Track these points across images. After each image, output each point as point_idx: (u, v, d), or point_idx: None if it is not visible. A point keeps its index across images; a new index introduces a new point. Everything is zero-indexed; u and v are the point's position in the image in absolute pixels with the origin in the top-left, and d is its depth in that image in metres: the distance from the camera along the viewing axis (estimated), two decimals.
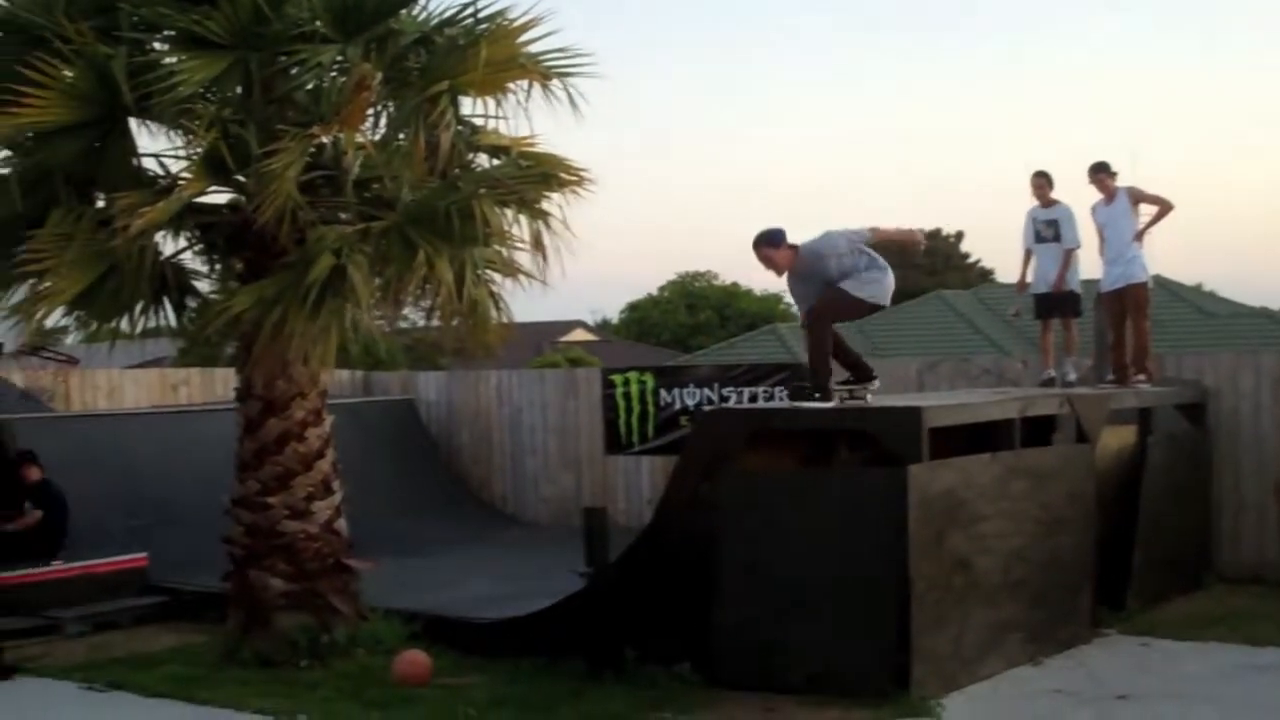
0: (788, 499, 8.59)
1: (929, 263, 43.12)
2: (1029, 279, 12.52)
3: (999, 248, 69.55)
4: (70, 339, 11.82)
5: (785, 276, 9.34)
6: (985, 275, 44.65)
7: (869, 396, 9.30)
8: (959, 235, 48.97)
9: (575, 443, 16.42)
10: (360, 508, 10.47)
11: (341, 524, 9.85)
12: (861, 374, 9.43)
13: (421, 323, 10.29)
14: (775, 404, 13.77)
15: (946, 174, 74.74)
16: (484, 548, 14.34)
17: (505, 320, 9.82)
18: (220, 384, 17.05)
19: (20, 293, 9.00)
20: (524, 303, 9.32)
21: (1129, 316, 12.08)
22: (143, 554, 12.26)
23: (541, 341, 39.33)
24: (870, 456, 8.77)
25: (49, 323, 9.25)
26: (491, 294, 9.62)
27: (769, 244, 9.21)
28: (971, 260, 48.69)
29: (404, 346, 29.74)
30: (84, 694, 9.09)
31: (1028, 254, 12.45)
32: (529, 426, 16.82)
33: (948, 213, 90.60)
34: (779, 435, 9.08)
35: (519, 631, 9.48)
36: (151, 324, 9.57)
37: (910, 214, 63.80)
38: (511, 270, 9.61)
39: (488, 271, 9.56)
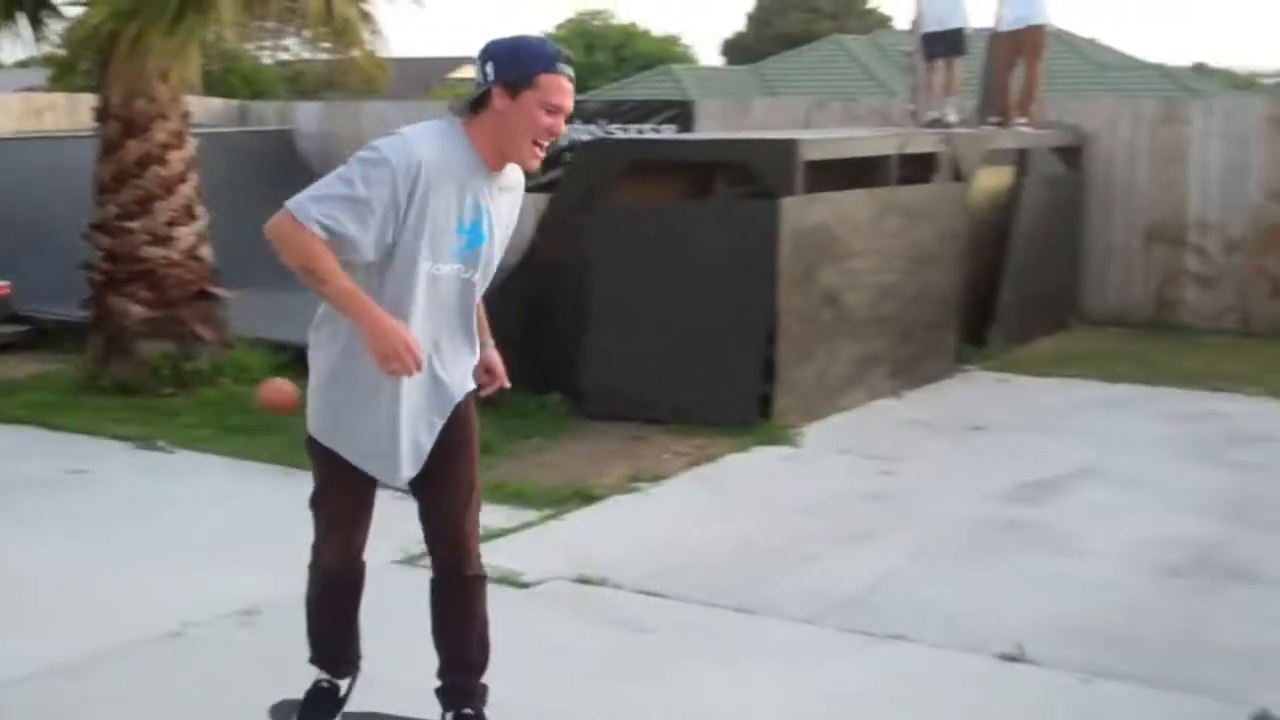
0: (661, 231, 8.51)
1: (831, 7, 42.48)
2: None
3: None
4: None
5: None
6: (884, 22, 44.02)
7: None
8: None
9: None
10: (231, 238, 10.17)
11: (205, 251, 9.60)
12: None
13: (304, 55, 9.86)
14: (658, 135, 13.56)
15: None
16: None
17: (379, 45, 9.45)
18: (87, 110, 16.35)
19: None
20: (410, 37, 9.07)
21: (1023, 58, 11.96)
22: (4, 282, 11.92)
23: (430, 78, 38.34)
24: (747, 192, 8.70)
25: None
26: (362, 13, 9.22)
27: None
28: (870, 7, 47.92)
29: (286, 79, 28.81)
30: None
31: None
32: None
33: None
34: (659, 169, 8.95)
35: None
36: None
37: None
38: None
39: None
